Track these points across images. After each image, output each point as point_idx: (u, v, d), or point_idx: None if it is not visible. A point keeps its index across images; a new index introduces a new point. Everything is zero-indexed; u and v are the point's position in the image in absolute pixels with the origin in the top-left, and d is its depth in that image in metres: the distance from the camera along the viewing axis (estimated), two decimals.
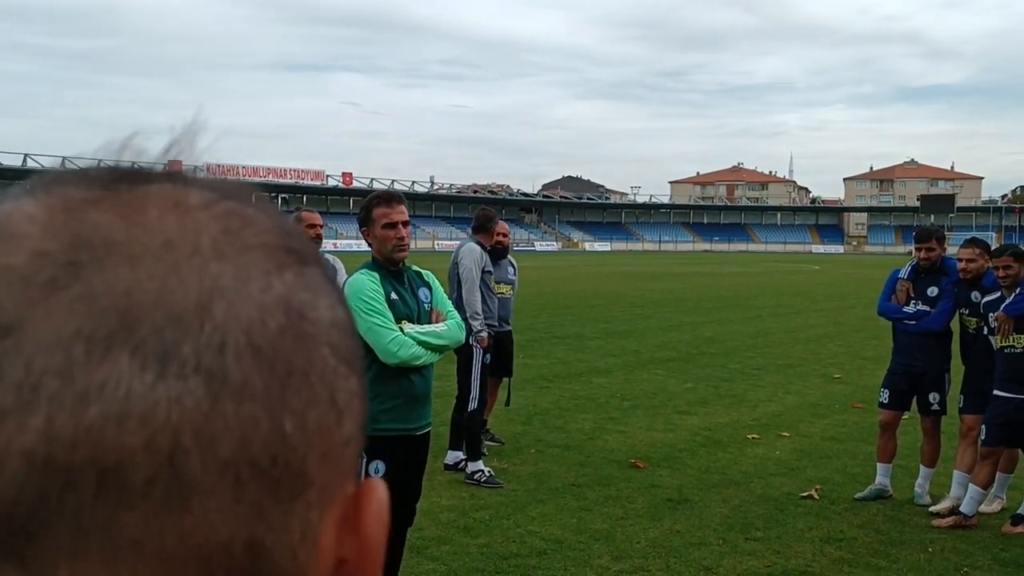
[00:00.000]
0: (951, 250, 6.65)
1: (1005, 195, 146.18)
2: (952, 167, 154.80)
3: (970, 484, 5.71)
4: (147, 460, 0.31)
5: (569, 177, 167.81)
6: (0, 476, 0.31)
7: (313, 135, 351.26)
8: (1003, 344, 5.55)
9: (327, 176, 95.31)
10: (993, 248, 6.10)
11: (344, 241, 67.69)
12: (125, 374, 0.32)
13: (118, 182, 0.36)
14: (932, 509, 5.95)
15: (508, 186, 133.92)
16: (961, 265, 5.97)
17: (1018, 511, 5.69)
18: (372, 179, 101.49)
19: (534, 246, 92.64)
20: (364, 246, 4.21)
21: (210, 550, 0.32)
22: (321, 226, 6.37)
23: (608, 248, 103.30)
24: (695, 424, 8.62)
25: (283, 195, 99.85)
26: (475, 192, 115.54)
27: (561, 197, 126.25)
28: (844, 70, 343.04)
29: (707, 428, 8.44)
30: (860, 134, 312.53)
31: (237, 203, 0.37)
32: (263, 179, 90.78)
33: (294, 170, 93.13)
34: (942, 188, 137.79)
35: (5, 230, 0.34)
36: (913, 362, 6.21)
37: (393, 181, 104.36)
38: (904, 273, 6.31)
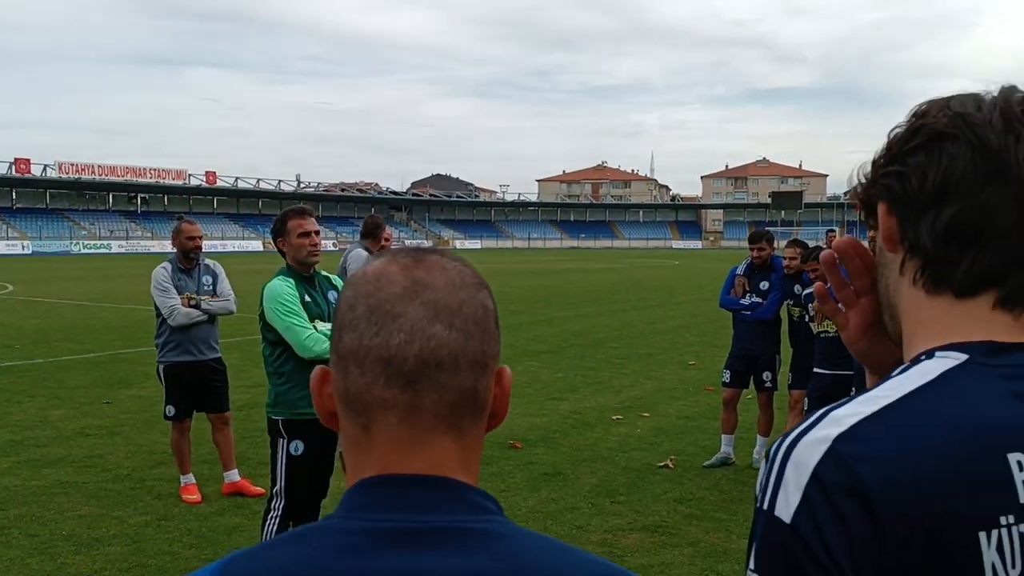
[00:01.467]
0: (813, 239, 7.69)
1: (847, 192, 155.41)
2: (800, 165, 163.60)
3: None
4: (445, 356, 0.87)
5: (438, 175, 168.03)
6: (403, 359, 0.86)
7: (171, 132, 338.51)
8: (819, 330, 6.60)
9: (189, 175, 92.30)
10: (811, 247, 7.16)
11: (209, 242, 65.96)
12: (439, 331, 0.86)
13: (417, 254, 0.92)
14: None
15: (377, 184, 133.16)
16: (785, 263, 7.03)
17: None
18: (236, 178, 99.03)
19: (404, 244, 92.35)
20: (231, 247, 4.76)
21: (465, 390, 0.88)
22: (201, 237, 6.58)
23: (479, 246, 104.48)
24: (566, 408, 9.51)
25: (143, 195, 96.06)
26: (343, 191, 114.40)
27: (431, 195, 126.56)
28: (699, 71, 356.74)
29: (577, 412, 9.33)
30: (716, 133, 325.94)
31: (460, 262, 0.94)
32: (122, 179, 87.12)
33: (155, 169, 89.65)
34: (791, 185, 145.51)
35: (386, 276, 0.89)
36: (749, 346, 7.24)
37: (259, 180, 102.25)
38: (741, 269, 7.34)
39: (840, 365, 6.34)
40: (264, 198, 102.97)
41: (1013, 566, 0.84)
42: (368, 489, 0.88)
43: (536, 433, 8.29)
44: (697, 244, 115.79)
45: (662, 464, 7.21)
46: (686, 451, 7.69)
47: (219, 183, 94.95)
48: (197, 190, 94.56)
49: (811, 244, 7.51)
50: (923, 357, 0.95)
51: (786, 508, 0.84)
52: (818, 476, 0.84)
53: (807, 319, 6.87)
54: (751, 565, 0.87)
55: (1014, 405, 0.89)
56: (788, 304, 7.10)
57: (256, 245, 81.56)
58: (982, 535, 0.83)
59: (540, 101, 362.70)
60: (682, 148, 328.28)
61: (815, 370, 6.66)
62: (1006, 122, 0.94)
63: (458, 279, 0.91)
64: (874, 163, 1.05)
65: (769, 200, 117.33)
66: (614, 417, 9.03)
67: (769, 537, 0.86)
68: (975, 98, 0.98)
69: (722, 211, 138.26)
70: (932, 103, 1.00)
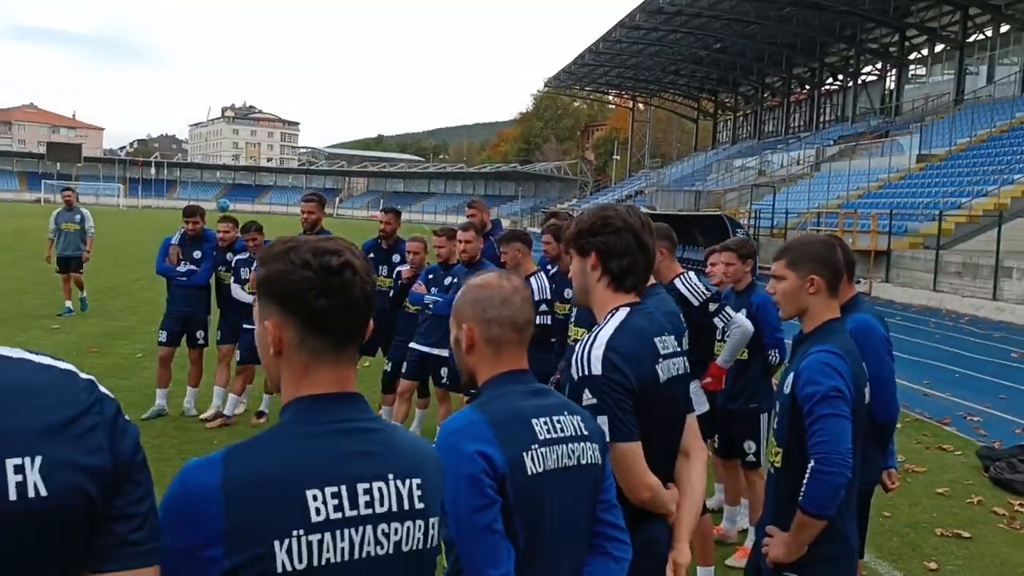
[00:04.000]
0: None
1: (124, 147, 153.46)
2: (74, 115, 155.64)
3: (229, 393, 7.90)
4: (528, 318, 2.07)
5: None
6: (500, 322, 2.03)
7: None
8: (252, 291, 7.81)
9: None
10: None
11: None
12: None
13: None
14: (201, 417, 7.96)
15: None
16: (219, 235, 8.05)
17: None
18: None
19: None
20: None
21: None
22: None
23: None
24: None
25: None
26: None
27: None
28: None
29: None
30: None
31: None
32: None
33: None
34: (65, 136, 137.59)
35: (505, 289, 2.08)
36: (184, 308, 8.07)
37: None
38: (176, 240, 8.10)
39: None
40: None
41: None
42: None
43: None
44: None
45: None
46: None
47: None
48: None
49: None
50: (613, 312, 2.50)
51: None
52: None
53: (233, 281, 7.94)
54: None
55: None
56: (220, 270, 8.11)
57: None
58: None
59: None
60: None
61: (244, 326, 7.84)
62: (641, 223, 2.54)
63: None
64: (580, 231, 2.56)
65: (44, 150, 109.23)
66: None
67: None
68: (629, 208, 2.57)
69: None
70: (609, 208, 2.56)
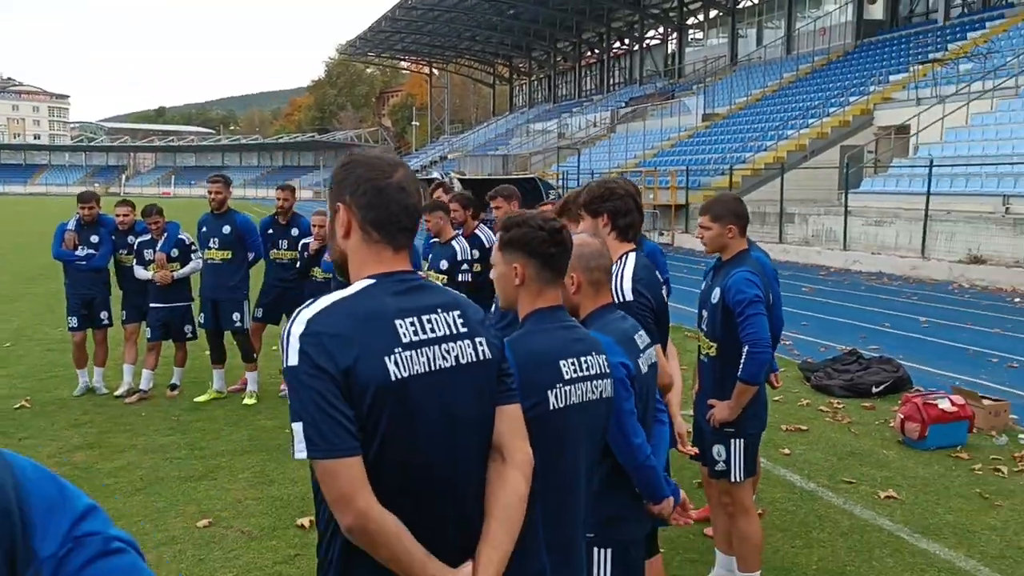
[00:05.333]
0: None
1: None
2: None
3: (144, 369, 8.26)
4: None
5: None
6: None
7: None
8: (157, 271, 8.15)
9: None
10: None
11: None
12: None
13: None
14: (115, 394, 8.26)
15: None
16: (119, 220, 8.29)
17: None
18: None
19: None
20: None
21: None
22: None
23: None
24: None
25: None
26: None
27: None
28: None
29: None
30: None
31: None
32: None
33: None
34: None
35: (596, 245, 2.94)
36: (86, 291, 8.28)
37: None
38: (71, 225, 8.27)
39: (175, 299, 8.15)
40: None
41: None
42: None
43: None
44: None
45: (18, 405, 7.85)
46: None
47: None
48: None
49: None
50: (624, 256, 3.51)
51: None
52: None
53: (136, 263, 8.25)
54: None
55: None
56: (120, 253, 8.36)
57: None
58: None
59: None
60: None
61: (151, 304, 8.22)
62: (635, 190, 3.57)
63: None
64: (593, 198, 3.54)
65: None
66: None
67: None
68: (625, 180, 3.58)
69: None
70: (611, 181, 3.56)
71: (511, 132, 67.20)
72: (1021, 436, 7.15)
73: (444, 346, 1.92)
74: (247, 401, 8.08)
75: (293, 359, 1.80)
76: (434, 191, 8.19)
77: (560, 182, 35.05)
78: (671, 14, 56.64)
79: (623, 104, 53.22)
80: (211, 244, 8.06)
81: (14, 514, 1.02)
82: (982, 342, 11.36)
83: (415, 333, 1.88)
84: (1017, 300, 15.55)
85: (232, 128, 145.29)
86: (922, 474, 6.31)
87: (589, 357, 2.39)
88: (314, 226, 8.10)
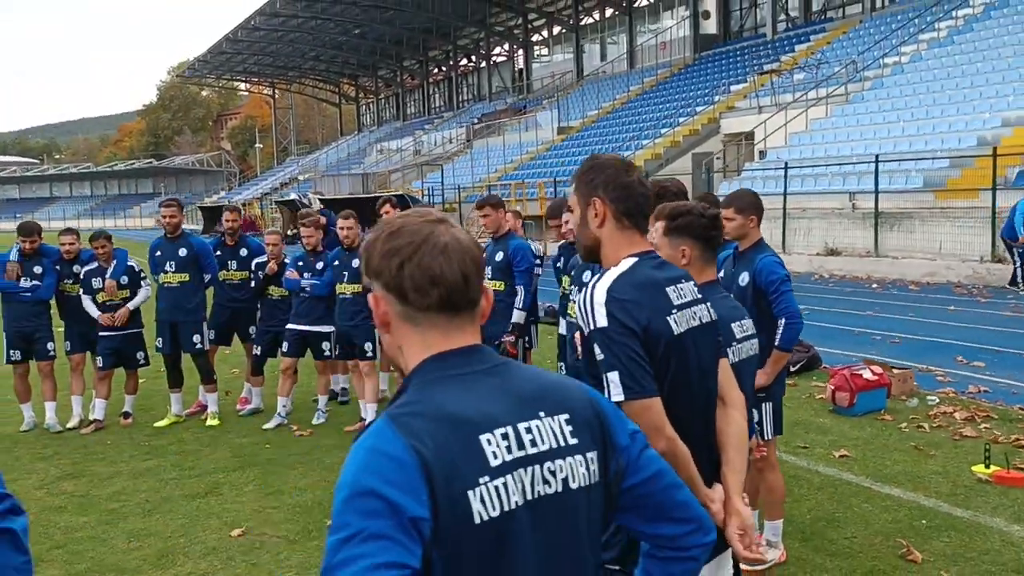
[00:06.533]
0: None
1: None
2: None
3: (96, 399, 8.11)
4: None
5: None
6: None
7: None
8: (106, 300, 8.04)
9: None
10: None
11: None
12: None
13: None
14: (69, 426, 8.08)
15: None
16: (65, 248, 8.13)
17: None
18: None
19: None
20: None
21: None
22: None
23: None
24: None
25: None
26: None
27: None
28: None
29: None
30: None
31: None
32: None
33: None
34: None
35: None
36: (25, 324, 8.03)
37: None
38: (13, 256, 8.03)
39: (127, 325, 8.07)
40: None
41: None
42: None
43: None
44: None
45: None
46: None
47: None
48: None
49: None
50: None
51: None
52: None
53: (81, 292, 8.11)
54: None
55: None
56: (66, 282, 8.16)
57: None
58: None
59: None
60: None
61: (101, 333, 8.11)
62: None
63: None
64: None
65: None
66: None
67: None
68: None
69: None
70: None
71: (363, 151, 66.97)
72: (929, 398, 8.16)
73: (693, 308, 2.38)
74: (211, 423, 8.10)
75: (602, 321, 2.21)
76: (381, 207, 8.45)
77: (427, 198, 35.44)
78: (516, 31, 58.15)
79: (476, 120, 54.16)
80: (167, 268, 8.03)
81: None
82: (860, 323, 12.60)
83: (678, 298, 2.33)
84: (874, 286, 17.19)
85: (57, 157, 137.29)
86: (860, 435, 7.15)
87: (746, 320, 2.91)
88: (268, 245, 8.25)
